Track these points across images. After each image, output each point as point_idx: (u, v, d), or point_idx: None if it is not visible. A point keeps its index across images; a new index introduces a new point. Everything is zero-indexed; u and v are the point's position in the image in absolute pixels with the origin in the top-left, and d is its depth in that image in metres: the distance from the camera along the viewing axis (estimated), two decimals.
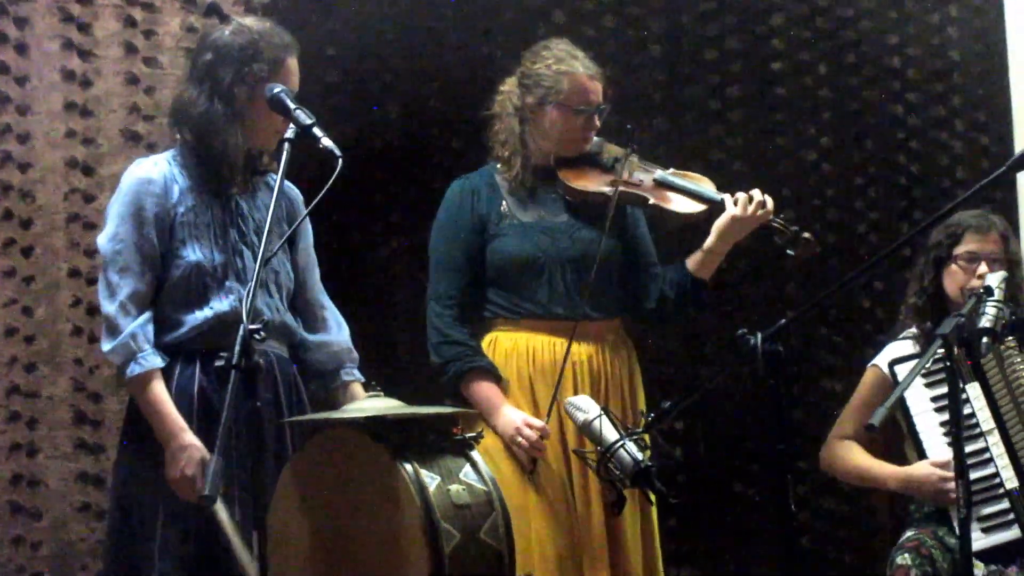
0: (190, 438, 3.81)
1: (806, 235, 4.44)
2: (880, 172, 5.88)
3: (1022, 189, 5.85)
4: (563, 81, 4.41)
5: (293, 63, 4.01)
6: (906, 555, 4.12)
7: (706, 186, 4.49)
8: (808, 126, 5.83)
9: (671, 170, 4.51)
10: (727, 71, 5.78)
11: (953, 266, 4.43)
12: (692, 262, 4.48)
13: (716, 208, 4.43)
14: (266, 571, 3.46)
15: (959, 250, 4.43)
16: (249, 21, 4.05)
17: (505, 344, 4.38)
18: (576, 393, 4.25)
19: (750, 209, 4.38)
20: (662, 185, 4.46)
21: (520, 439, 4.23)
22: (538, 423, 4.24)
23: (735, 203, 4.40)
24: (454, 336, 4.34)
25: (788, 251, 4.44)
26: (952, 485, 4.08)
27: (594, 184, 4.44)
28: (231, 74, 3.94)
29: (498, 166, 4.49)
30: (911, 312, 4.52)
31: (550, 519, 4.25)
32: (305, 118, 3.68)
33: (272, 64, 3.94)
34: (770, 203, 4.40)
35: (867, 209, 5.86)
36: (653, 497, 4.06)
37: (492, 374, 4.32)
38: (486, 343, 4.39)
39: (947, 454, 4.14)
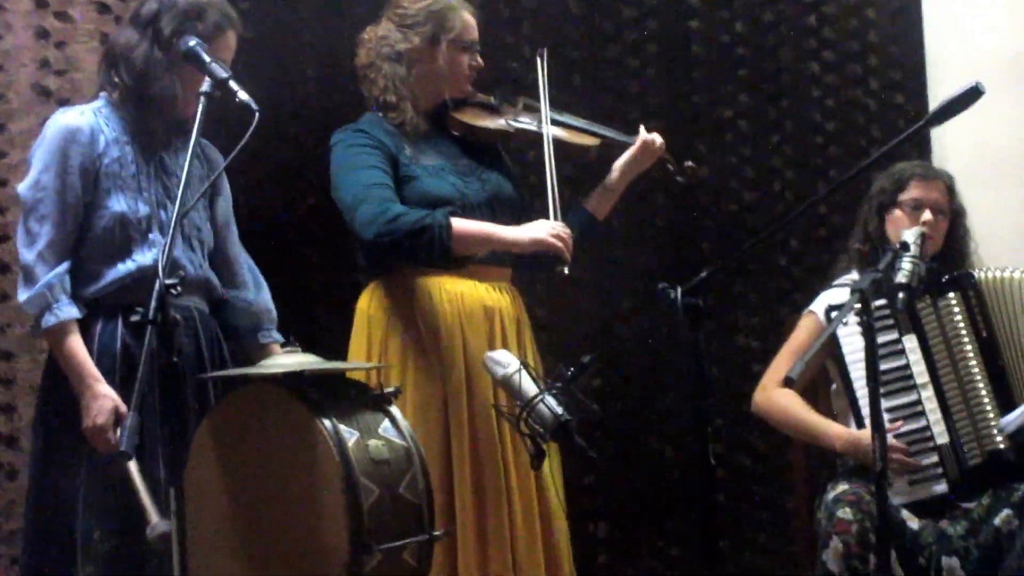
0: (103, 389, 3.82)
1: (689, 163, 4.62)
2: (796, 130, 5.89)
3: (936, 147, 5.89)
4: (452, 17, 4.39)
5: (232, 38, 4.06)
6: (847, 509, 4.11)
7: (594, 124, 4.57)
8: (725, 84, 5.83)
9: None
10: (645, 28, 5.76)
11: (897, 212, 4.47)
12: (591, 203, 4.53)
13: (608, 142, 4.52)
14: (184, 527, 3.44)
15: (903, 197, 4.47)
16: None
17: (430, 289, 4.26)
18: (503, 342, 4.25)
19: (652, 143, 4.48)
20: (553, 122, 4.47)
21: (558, 233, 4.19)
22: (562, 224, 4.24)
23: (640, 140, 4.48)
24: (406, 208, 4.18)
25: (678, 179, 4.62)
26: (899, 456, 4.14)
27: (491, 122, 4.45)
28: (173, 26, 3.96)
29: (380, 115, 4.40)
30: (854, 258, 4.54)
31: (475, 477, 4.23)
32: (221, 71, 3.71)
33: (212, 28, 3.98)
34: (661, 140, 4.51)
35: (783, 167, 5.87)
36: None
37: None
38: (404, 291, 4.28)
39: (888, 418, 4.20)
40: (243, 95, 3.65)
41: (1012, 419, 4.10)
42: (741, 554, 5.69)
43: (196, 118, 3.59)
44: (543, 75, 4.46)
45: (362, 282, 4.55)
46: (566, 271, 4.18)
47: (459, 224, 4.18)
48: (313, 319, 4.87)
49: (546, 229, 4.20)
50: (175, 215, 3.49)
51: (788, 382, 3.56)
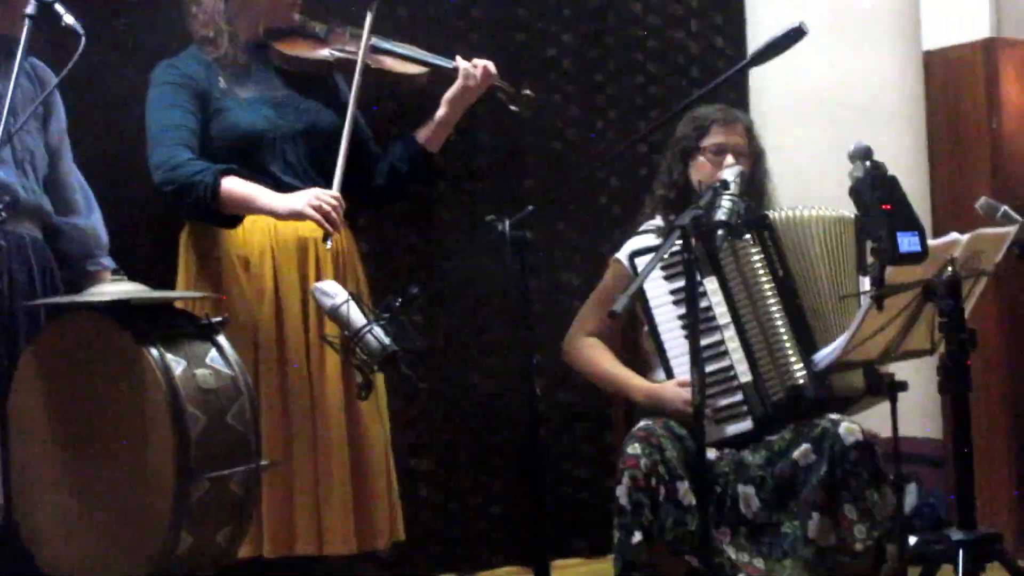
0: None
1: (526, 92, 4.55)
2: (619, 70, 5.96)
3: (753, 90, 6.00)
4: None
5: None
6: (636, 445, 4.18)
7: (422, 52, 4.54)
8: (550, 23, 5.87)
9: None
10: None
11: (700, 158, 4.50)
12: (422, 135, 4.51)
13: (438, 72, 4.48)
14: (7, 456, 3.42)
15: (706, 142, 4.50)
16: None
17: (243, 221, 4.26)
18: (321, 273, 4.25)
19: (479, 73, 4.44)
20: (378, 51, 4.46)
21: (320, 203, 4.10)
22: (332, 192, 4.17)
23: (465, 70, 4.44)
24: (191, 157, 4.19)
25: (512, 107, 4.54)
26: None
27: (312, 52, 4.43)
28: None
29: (199, 48, 4.38)
30: (659, 204, 4.59)
31: (282, 410, 4.24)
32: None
33: None
34: (492, 67, 4.46)
35: (606, 107, 5.94)
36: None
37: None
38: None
39: (684, 349, 4.25)
40: (68, 19, 3.59)
41: (824, 355, 4.19)
42: (562, 487, 5.77)
43: (21, 40, 3.52)
44: (368, 29, 4.44)
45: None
46: (328, 244, 4.14)
47: (227, 185, 4.15)
48: (138, 248, 4.81)
49: (306, 200, 4.13)
50: None
51: (612, 315, 3.59)
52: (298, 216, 4.14)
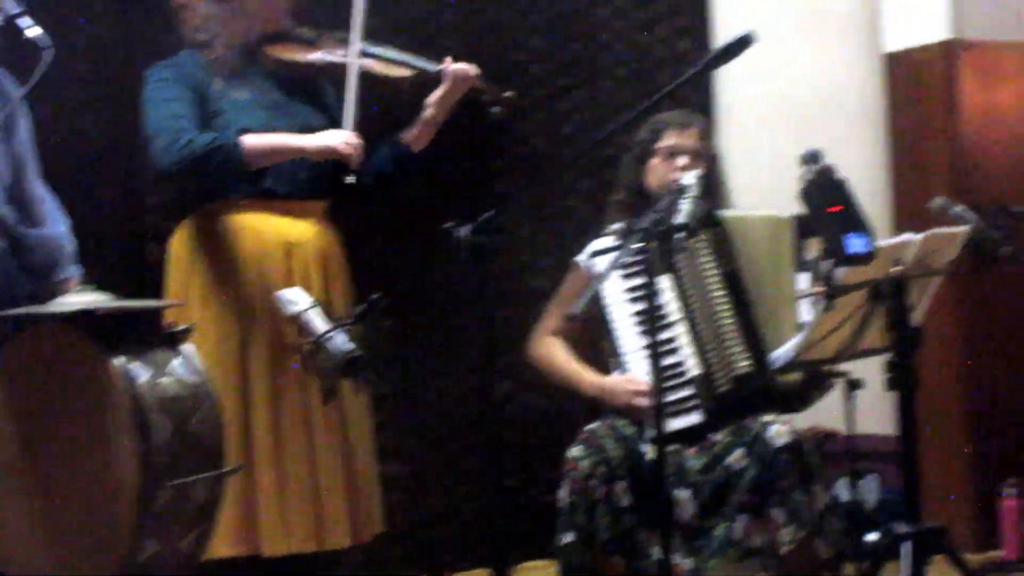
0: None
1: (508, 93, 4.71)
2: (585, 74, 5.99)
3: (719, 92, 6.04)
4: None
5: None
6: (578, 447, 4.26)
7: (408, 56, 4.65)
8: (517, 28, 5.89)
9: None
10: None
11: (654, 160, 4.56)
12: (407, 135, 4.63)
13: (422, 76, 4.61)
14: None
15: (660, 145, 4.56)
16: None
17: (228, 226, 4.36)
18: (304, 277, 4.33)
19: (463, 75, 4.59)
20: (366, 55, 4.56)
21: (347, 142, 4.35)
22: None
23: (450, 72, 4.58)
24: (195, 133, 4.30)
25: (493, 109, 4.70)
26: (640, 400, 4.26)
27: (303, 56, 4.50)
28: None
29: (195, 52, 4.46)
30: (617, 208, 4.65)
31: (273, 410, 4.32)
32: (11, 7, 3.65)
33: None
34: (475, 69, 4.64)
35: (572, 111, 5.97)
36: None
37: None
38: (207, 230, 4.38)
39: (638, 346, 4.33)
40: (33, 31, 3.62)
41: (780, 354, 4.23)
42: (527, 491, 5.79)
43: None
44: (358, 32, 4.53)
45: (149, 223, 4.60)
46: (350, 179, 4.35)
47: (250, 139, 4.29)
48: (106, 258, 4.84)
49: (339, 137, 4.33)
50: None
51: (571, 318, 3.67)
52: (331, 152, 4.34)
